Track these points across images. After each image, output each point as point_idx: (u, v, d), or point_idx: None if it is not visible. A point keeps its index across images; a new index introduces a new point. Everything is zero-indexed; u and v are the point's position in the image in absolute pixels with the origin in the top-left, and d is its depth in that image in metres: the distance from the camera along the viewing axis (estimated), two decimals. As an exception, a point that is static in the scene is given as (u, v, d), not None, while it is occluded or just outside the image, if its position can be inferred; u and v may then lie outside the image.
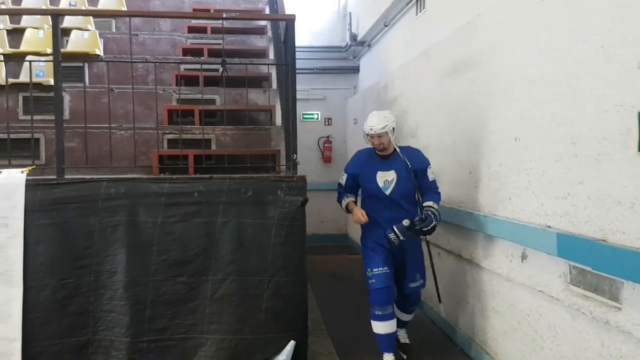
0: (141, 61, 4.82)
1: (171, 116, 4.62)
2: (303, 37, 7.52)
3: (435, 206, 3.49)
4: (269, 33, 6.22)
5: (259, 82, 5.52)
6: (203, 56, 5.73)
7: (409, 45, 5.89)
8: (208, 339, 3.21)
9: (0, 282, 3.04)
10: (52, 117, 3.38)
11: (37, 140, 4.04)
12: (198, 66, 5.27)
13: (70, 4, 6.45)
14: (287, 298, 3.23)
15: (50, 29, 3.52)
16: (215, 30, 6.39)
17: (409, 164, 3.52)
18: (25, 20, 5.98)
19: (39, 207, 3.12)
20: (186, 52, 5.89)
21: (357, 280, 5.07)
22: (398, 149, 3.58)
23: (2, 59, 4.95)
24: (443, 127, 4.32)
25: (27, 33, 5.58)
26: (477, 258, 3.67)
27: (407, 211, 3.53)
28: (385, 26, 6.88)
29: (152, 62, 4.87)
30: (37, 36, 5.51)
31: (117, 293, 3.18)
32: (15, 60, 5.03)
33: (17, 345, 3.04)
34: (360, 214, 3.49)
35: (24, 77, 4.65)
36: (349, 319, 4.53)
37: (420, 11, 5.68)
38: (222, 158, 3.77)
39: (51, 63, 3.43)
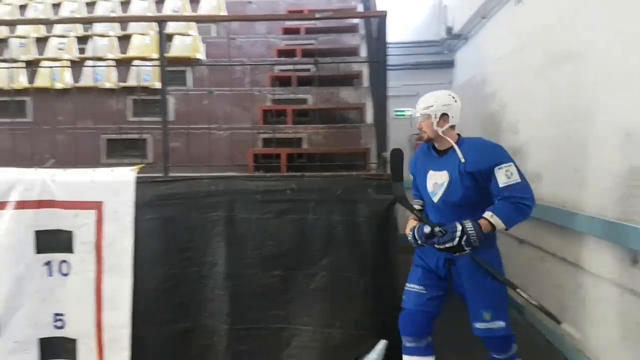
0: (238, 64, 5.02)
1: (266, 116, 4.78)
2: (396, 33, 7.44)
3: (493, 219, 2.55)
4: (362, 30, 6.23)
5: (351, 80, 5.54)
6: (296, 57, 5.85)
7: (508, 37, 5.63)
8: (302, 331, 3.31)
9: (112, 273, 3.31)
10: (159, 119, 3.63)
11: (145, 140, 4.35)
12: (292, 67, 5.40)
13: (173, 10, 6.86)
14: (377, 296, 3.22)
15: (156, 35, 3.78)
16: (308, 31, 6.51)
17: (463, 162, 2.67)
18: (133, 27, 6.45)
19: (147, 203, 3.35)
20: (280, 53, 6.04)
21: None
22: (454, 144, 2.75)
23: (114, 64, 5.36)
24: (544, 121, 4.09)
25: (134, 39, 6.01)
26: (583, 261, 3.43)
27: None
28: (483, 18, 6.63)
29: (248, 64, 5.05)
30: (144, 42, 5.92)
31: (217, 283, 3.35)
32: (124, 65, 5.43)
33: (127, 332, 3.29)
34: (408, 229, 2.89)
35: (132, 81, 5.03)
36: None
37: (520, 1, 5.41)
38: (313, 156, 3.83)
39: (157, 68, 3.68)
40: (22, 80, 5.20)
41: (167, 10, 6.90)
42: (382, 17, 3.49)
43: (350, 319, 3.21)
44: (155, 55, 4.37)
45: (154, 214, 3.36)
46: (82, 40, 6.16)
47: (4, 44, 5.79)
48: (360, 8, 6.62)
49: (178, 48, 5.81)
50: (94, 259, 3.32)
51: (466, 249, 2.59)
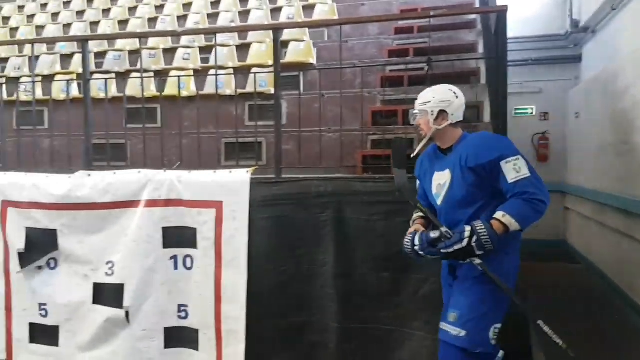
0: (349, 67, 5.06)
1: (375, 118, 4.76)
2: (515, 27, 7.06)
3: (505, 219, 2.30)
4: (479, 26, 5.98)
5: (467, 77, 5.33)
6: (409, 56, 5.77)
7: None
8: (413, 335, 3.26)
9: (230, 268, 3.51)
10: (272, 123, 3.78)
11: (260, 143, 4.55)
12: (404, 67, 5.33)
13: (288, 17, 7.11)
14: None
15: (271, 43, 3.93)
16: (421, 29, 6.38)
17: (463, 158, 2.46)
18: (251, 36, 6.78)
19: (260, 202, 3.51)
20: (392, 53, 5.99)
21: (574, 294, 4.55)
22: (456, 140, 2.60)
23: (232, 72, 5.67)
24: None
25: (252, 47, 6.31)
26: None
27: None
28: (613, 9, 6.06)
29: (360, 66, 5.07)
30: (260, 50, 6.21)
31: (327, 282, 3.42)
32: (242, 72, 5.72)
33: (242, 324, 3.47)
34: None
35: (249, 88, 5.27)
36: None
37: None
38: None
39: (272, 74, 3.84)
40: (152, 89, 5.71)
41: (282, 17, 7.16)
42: (502, 12, 3.34)
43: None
44: (271, 62, 4.54)
45: (267, 213, 3.50)
46: (205, 50, 6.60)
47: (136, 55, 6.37)
48: (477, 3, 6.36)
49: (292, 54, 6.01)
50: (213, 255, 3.54)
51: (477, 252, 2.32)
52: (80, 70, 5.41)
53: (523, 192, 2.31)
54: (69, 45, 7.71)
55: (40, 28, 9.00)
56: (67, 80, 5.13)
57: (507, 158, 2.36)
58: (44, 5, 10.23)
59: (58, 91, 5.86)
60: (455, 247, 2.34)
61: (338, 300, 3.38)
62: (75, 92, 5.69)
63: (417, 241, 2.51)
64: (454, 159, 2.52)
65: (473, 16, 6.33)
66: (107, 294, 3.68)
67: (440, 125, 2.58)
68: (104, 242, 3.72)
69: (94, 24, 8.57)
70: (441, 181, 2.58)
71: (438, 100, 2.59)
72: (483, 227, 2.31)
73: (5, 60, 7.63)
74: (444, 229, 2.42)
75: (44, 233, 3.79)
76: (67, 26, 8.83)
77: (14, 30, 9.19)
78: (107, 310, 3.67)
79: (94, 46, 7.27)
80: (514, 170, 2.34)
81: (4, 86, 4.88)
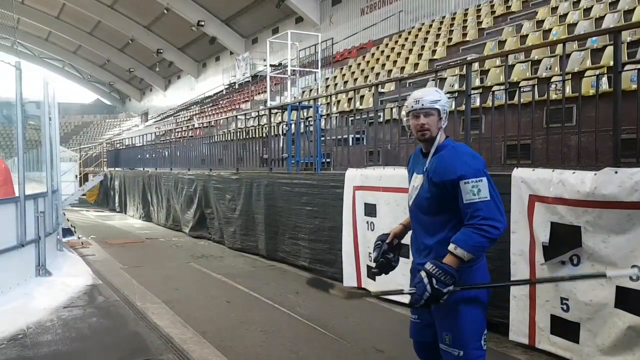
0: None
1: None
2: None
3: (457, 252, 2.34)
4: None
5: None
6: None
7: None
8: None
9: None
10: None
11: None
12: None
13: None
14: None
15: None
16: None
17: (431, 170, 2.51)
18: None
19: None
20: None
21: None
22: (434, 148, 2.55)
23: None
24: None
25: None
26: None
27: (431, 239, 2.54)
28: None
29: None
30: None
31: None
32: None
33: None
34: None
35: None
36: None
37: None
38: None
39: None
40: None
41: None
42: None
43: None
44: None
45: None
46: None
47: None
48: None
49: None
50: None
51: (445, 290, 2.32)
52: (611, 63, 5.17)
53: (474, 215, 2.36)
54: (600, 39, 7.52)
55: (572, 26, 9.16)
56: (597, 75, 4.99)
57: (467, 179, 2.38)
58: (576, 3, 10.34)
59: (587, 87, 5.81)
60: (425, 298, 2.33)
61: None
62: (605, 86, 5.50)
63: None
64: (429, 166, 2.54)
65: None
66: (632, 300, 3.40)
67: (443, 127, 2.55)
68: (629, 244, 3.44)
69: (628, 13, 8.03)
70: (415, 184, 2.63)
71: (445, 100, 2.55)
72: (434, 267, 2.34)
73: (538, 62, 8.15)
74: (406, 289, 2.46)
75: (568, 229, 3.82)
76: (598, 20, 8.64)
77: (546, 32, 9.70)
78: (630, 317, 3.40)
79: (626, 36, 6.81)
80: (470, 192, 2.37)
81: (536, 87, 5.20)
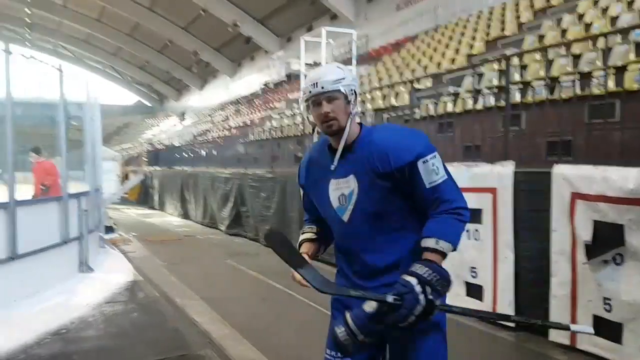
0: None
1: None
2: None
3: (440, 245, 1.77)
4: None
5: None
6: None
7: None
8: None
9: None
10: None
11: None
12: None
13: None
14: None
15: None
16: None
17: (374, 160, 1.86)
18: None
19: None
20: None
21: None
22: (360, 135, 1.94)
23: None
24: None
25: None
26: None
27: (389, 254, 1.91)
28: None
29: None
30: None
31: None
32: None
33: None
34: (296, 276, 1.95)
35: None
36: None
37: None
38: None
39: None
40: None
41: None
42: None
43: None
44: None
45: None
46: None
47: None
48: None
49: None
50: None
51: (437, 303, 1.70)
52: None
53: (443, 199, 1.83)
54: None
55: (614, 19, 8.85)
56: (641, 68, 4.83)
57: (424, 157, 1.83)
58: (618, -6, 10.00)
59: (630, 81, 5.61)
60: (416, 312, 1.67)
61: None
62: (650, 79, 5.29)
63: (351, 325, 1.75)
64: (360, 160, 1.91)
65: None
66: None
67: (354, 112, 1.93)
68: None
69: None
70: (345, 191, 1.95)
71: (351, 78, 1.92)
72: (427, 269, 1.71)
73: (579, 56, 7.91)
74: (390, 297, 1.69)
75: (611, 227, 3.71)
76: (643, 10, 8.32)
77: (588, 25, 9.41)
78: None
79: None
80: (432, 171, 1.83)
81: (577, 81, 5.06)
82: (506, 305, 4.62)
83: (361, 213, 1.91)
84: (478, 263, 4.93)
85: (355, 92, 1.91)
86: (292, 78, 26.26)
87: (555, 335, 4.21)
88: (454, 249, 1.81)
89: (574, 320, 4.04)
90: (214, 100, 40.46)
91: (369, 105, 12.08)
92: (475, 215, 4.90)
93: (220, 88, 40.58)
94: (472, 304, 4.98)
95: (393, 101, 10.89)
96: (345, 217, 1.95)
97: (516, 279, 4.58)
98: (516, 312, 4.53)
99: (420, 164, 1.82)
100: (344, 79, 1.88)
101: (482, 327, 4.76)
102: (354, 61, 16.72)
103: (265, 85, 31.07)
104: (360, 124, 1.97)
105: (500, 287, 4.71)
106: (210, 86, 43.57)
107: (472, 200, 4.92)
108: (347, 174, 1.92)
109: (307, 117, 1.99)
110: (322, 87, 1.86)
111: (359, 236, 1.94)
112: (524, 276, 4.55)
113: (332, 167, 1.95)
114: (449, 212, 1.82)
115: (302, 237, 2.14)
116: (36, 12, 36.73)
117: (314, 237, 2.13)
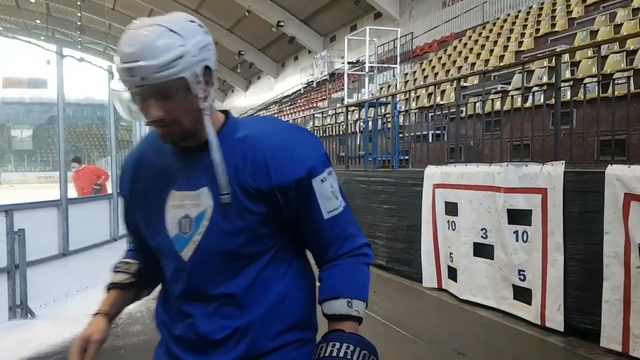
0: None
1: None
2: None
3: (355, 308, 1.20)
4: None
5: None
6: None
7: None
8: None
9: None
10: None
11: None
12: None
13: None
14: None
15: None
16: None
17: (244, 169, 1.14)
18: None
19: None
20: None
21: None
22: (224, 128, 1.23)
23: None
24: None
25: None
26: None
27: (242, 310, 1.19)
28: None
29: None
30: None
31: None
32: None
33: None
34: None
35: None
36: None
37: None
38: None
39: None
40: None
41: None
42: None
43: None
44: None
45: None
46: None
47: None
48: None
49: None
50: None
51: None
52: None
53: (345, 236, 1.24)
54: None
55: (673, 12, 8.45)
56: None
57: (319, 173, 1.18)
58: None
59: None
60: None
61: None
62: None
63: None
64: (225, 167, 1.15)
65: None
66: None
67: (208, 99, 1.17)
68: None
69: None
70: (191, 211, 1.19)
71: (197, 44, 1.11)
72: (349, 344, 1.13)
73: (634, 52, 7.58)
74: None
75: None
76: None
77: (645, 19, 9.01)
78: None
79: None
80: (331, 195, 1.20)
81: (631, 79, 4.85)
82: (555, 309, 4.48)
83: (211, 250, 1.20)
84: (526, 266, 4.79)
85: (209, 67, 1.14)
86: (335, 77, 26.30)
87: (606, 342, 4.04)
88: (364, 305, 1.27)
89: (627, 326, 3.88)
90: (258, 101, 41.01)
91: (413, 104, 11.96)
92: (525, 217, 4.77)
93: (264, 88, 41.07)
94: (519, 307, 4.86)
95: (439, 99, 10.75)
96: (185, 254, 1.21)
97: (565, 282, 4.43)
98: (565, 317, 4.38)
99: (316, 183, 1.19)
100: (182, 56, 1.07)
101: (532, 331, 4.63)
102: (398, 59, 16.59)
103: (307, 84, 31.24)
104: (224, 111, 1.32)
105: (549, 291, 4.56)
106: (254, 87, 44.18)
107: (521, 201, 4.83)
108: (198, 186, 1.20)
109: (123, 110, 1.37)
110: (143, 78, 1.06)
111: (199, 286, 1.22)
112: (573, 280, 4.40)
113: (175, 170, 1.23)
114: (354, 254, 1.26)
115: (112, 279, 1.46)
116: (87, 15, 38.11)
117: (129, 280, 1.43)
